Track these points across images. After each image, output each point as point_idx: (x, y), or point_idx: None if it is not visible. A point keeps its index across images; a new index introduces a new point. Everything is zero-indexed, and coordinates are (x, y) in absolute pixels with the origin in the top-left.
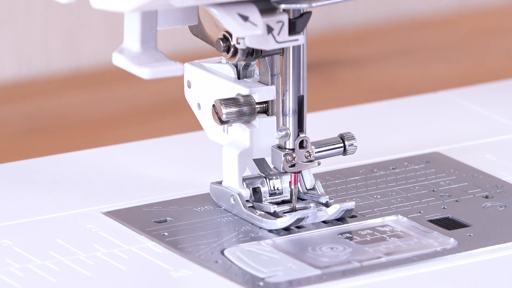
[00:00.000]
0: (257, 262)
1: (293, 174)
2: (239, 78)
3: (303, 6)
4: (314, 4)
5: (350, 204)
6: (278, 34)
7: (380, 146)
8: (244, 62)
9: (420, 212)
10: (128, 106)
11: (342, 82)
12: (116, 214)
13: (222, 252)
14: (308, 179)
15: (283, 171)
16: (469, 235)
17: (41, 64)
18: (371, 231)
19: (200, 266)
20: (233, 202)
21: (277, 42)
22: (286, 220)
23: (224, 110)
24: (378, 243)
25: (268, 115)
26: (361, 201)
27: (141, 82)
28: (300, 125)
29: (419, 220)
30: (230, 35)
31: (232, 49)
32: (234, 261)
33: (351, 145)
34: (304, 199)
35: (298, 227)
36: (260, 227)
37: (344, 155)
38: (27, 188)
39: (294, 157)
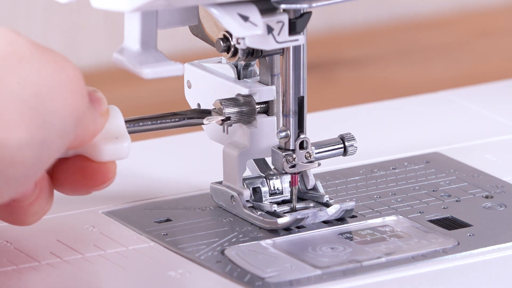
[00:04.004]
0: (257, 262)
1: (293, 175)
2: (239, 78)
3: (303, 6)
4: (314, 4)
5: (350, 204)
6: (278, 34)
7: (380, 146)
8: (244, 62)
9: (420, 212)
10: (128, 106)
11: (342, 82)
12: (116, 214)
13: (222, 252)
14: (308, 179)
15: (283, 172)
16: (470, 235)
17: None
18: (371, 231)
19: (200, 266)
20: (233, 202)
21: (277, 42)
22: (286, 220)
23: (224, 110)
24: (378, 243)
25: (268, 115)
26: (361, 201)
27: (141, 82)
28: (300, 126)
29: (419, 220)
30: (230, 35)
31: (232, 49)
32: (234, 261)
33: (351, 146)
34: (304, 199)
35: (298, 227)
36: (260, 227)
37: (344, 156)
38: None
39: (295, 158)
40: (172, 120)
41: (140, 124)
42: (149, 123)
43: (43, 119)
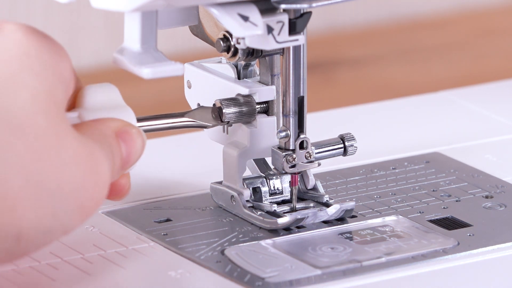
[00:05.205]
0: (257, 262)
1: (293, 175)
2: (239, 78)
3: (303, 6)
4: (314, 4)
5: (350, 204)
6: (278, 34)
7: (380, 146)
8: (244, 62)
9: (420, 212)
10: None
11: (342, 82)
12: (116, 214)
13: (222, 252)
14: (308, 179)
15: (283, 172)
16: (469, 235)
17: None
18: (371, 231)
19: (200, 266)
20: (233, 202)
21: (277, 42)
22: (286, 220)
23: (224, 110)
24: (378, 243)
25: (268, 115)
26: (361, 201)
27: (141, 82)
28: (300, 126)
29: (419, 220)
30: (230, 35)
31: (232, 49)
32: (234, 261)
33: (351, 146)
34: (304, 199)
35: (298, 227)
36: (260, 227)
37: (344, 156)
38: None
39: (295, 158)
40: (181, 121)
41: (151, 124)
42: (158, 122)
43: (54, 212)
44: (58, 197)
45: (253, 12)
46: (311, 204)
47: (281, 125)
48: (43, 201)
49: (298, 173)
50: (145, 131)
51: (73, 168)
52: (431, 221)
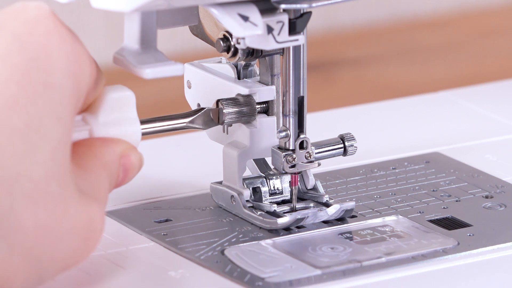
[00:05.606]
0: (257, 262)
1: (293, 175)
2: (239, 78)
3: (303, 6)
4: (314, 4)
5: (350, 204)
6: (278, 34)
7: (380, 146)
8: (244, 62)
9: (420, 212)
10: None
11: (342, 82)
12: (116, 214)
13: (222, 252)
14: (308, 179)
15: (283, 171)
16: (469, 235)
17: None
18: (371, 231)
19: (200, 266)
20: (233, 202)
21: (277, 42)
22: (286, 220)
23: (224, 111)
24: (378, 243)
25: (268, 115)
26: (361, 201)
27: (141, 82)
28: (300, 126)
29: (419, 220)
30: (230, 35)
31: (232, 49)
32: (234, 261)
33: (351, 146)
34: (304, 199)
35: (298, 227)
36: (260, 227)
37: (344, 156)
38: None
39: (294, 158)
40: (181, 123)
41: (152, 126)
42: (159, 125)
43: (41, 276)
44: (50, 266)
45: (253, 12)
46: (311, 204)
47: (281, 125)
48: (34, 272)
49: (298, 173)
50: (146, 133)
51: (70, 240)
52: (431, 221)
